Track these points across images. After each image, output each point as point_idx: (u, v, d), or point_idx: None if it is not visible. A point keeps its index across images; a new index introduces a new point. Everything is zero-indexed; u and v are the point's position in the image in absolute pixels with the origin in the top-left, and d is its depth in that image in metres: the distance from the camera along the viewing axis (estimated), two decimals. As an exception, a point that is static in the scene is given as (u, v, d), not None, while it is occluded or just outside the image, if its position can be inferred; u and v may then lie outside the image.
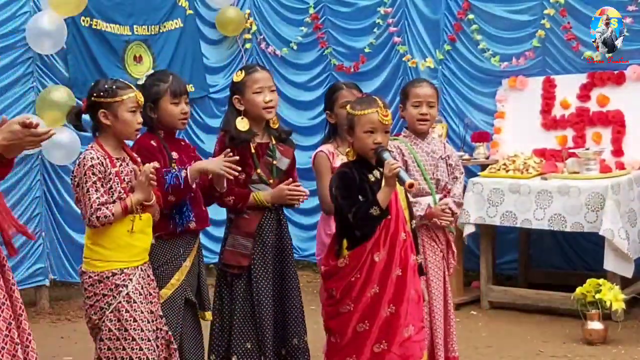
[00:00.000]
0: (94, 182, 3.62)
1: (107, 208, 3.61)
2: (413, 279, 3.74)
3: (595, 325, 5.53)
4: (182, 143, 4.27)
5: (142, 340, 3.65)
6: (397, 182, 3.65)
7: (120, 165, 3.73)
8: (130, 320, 3.65)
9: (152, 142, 4.02)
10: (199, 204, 4.11)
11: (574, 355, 5.35)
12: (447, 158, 4.50)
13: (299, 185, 4.26)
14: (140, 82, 4.11)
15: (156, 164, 3.74)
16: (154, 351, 3.69)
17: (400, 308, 3.66)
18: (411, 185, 3.61)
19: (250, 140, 4.21)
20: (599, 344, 5.49)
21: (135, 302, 3.67)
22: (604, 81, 6.50)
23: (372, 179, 3.72)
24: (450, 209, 4.39)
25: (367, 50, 7.55)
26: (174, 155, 4.04)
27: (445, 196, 4.48)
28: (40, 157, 6.78)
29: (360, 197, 3.66)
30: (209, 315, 4.20)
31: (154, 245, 3.96)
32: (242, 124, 4.19)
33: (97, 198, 3.61)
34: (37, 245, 6.82)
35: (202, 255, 4.22)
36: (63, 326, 6.41)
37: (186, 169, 3.94)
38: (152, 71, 4.24)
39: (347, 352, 3.68)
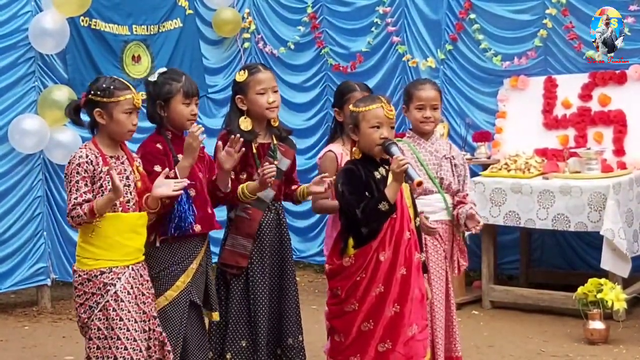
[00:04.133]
0: (77, 182, 3.60)
1: (81, 208, 3.57)
2: (417, 278, 3.74)
3: (597, 324, 5.54)
4: None
5: (128, 340, 3.61)
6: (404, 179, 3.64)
7: (114, 163, 3.71)
8: (117, 319, 3.61)
9: (158, 146, 3.98)
10: (205, 207, 4.05)
11: (575, 354, 5.35)
12: (451, 158, 4.49)
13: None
14: (152, 79, 4.05)
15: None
16: (140, 352, 3.64)
17: (404, 307, 3.66)
18: (420, 184, 3.59)
19: (252, 140, 4.21)
20: (601, 344, 5.50)
21: (123, 301, 3.63)
22: (606, 81, 6.50)
23: (378, 176, 3.71)
24: (476, 213, 4.42)
25: (365, 50, 7.54)
26: (180, 158, 4.01)
27: (455, 197, 4.48)
28: (41, 156, 6.76)
29: (366, 193, 3.65)
30: (215, 316, 4.17)
31: (159, 248, 3.94)
32: (245, 123, 4.19)
33: (75, 198, 3.58)
34: (39, 244, 6.82)
35: (210, 257, 4.18)
36: (64, 325, 6.39)
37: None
38: (164, 69, 4.14)
39: (351, 351, 3.68)
